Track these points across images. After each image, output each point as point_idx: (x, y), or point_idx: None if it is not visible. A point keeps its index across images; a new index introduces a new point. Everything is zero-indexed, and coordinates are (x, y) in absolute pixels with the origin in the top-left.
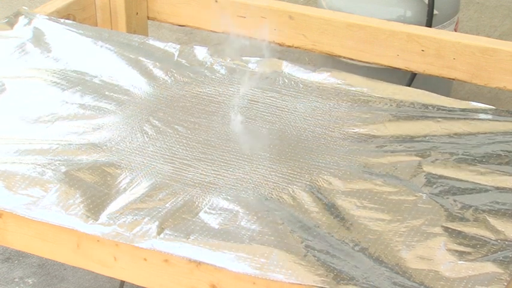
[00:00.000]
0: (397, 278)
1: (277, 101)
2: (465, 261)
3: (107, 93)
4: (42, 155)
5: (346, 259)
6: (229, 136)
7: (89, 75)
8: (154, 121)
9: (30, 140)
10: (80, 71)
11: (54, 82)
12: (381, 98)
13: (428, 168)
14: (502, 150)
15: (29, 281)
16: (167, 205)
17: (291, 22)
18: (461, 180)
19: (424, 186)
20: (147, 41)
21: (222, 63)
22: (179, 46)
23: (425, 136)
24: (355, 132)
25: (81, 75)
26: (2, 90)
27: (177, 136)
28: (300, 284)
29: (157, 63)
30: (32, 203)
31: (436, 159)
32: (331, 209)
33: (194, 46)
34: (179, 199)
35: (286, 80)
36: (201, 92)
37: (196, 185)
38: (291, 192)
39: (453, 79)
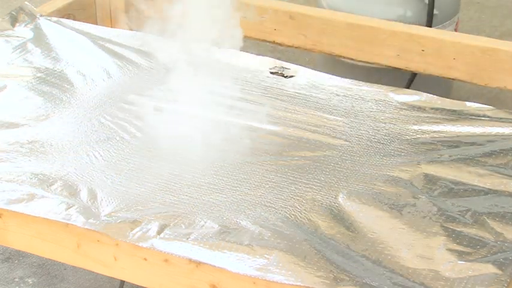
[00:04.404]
0: (397, 277)
1: (277, 101)
2: (465, 261)
3: (107, 93)
4: (43, 153)
5: (346, 259)
6: (230, 137)
7: (90, 75)
8: (151, 119)
9: (31, 138)
10: (81, 71)
11: (55, 82)
12: (379, 99)
13: (427, 169)
14: (501, 151)
15: (29, 280)
16: (167, 205)
17: (291, 22)
18: (460, 182)
19: (423, 186)
20: (147, 40)
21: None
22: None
23: (424, 137)
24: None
25: (81, 75)
26: (2, 88)
27: (177, 136)
28: (300, 285)
29: (158, 64)
30: (32, 201)
31: (435, 160)
32: (331, 209)
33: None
34: (179, 199)
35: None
36: None
37: (196, 185)
38: (290, 192)
39: (453, 79)
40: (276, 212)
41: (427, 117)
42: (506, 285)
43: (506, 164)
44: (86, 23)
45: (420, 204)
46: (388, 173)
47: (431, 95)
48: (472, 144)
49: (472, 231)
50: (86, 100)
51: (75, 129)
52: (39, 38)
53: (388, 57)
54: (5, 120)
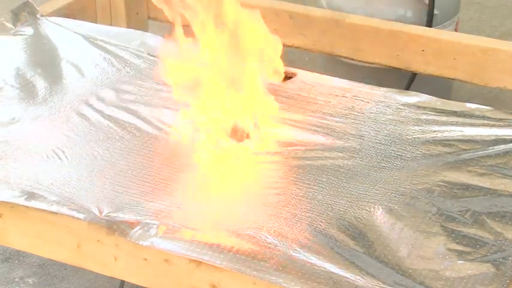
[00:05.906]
0: (397, 277)
1: (276, 102)
2: (465, 261)
3: (107, 93)
4: (41, 152)
5: (346, 257)
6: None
7: (90, 75)
8: (153, 120)
9: (28, 137)
10: (80, 71)
11: (54, 82)
12: (379, 100)
13: (427, 169)
14: (501, 151)
15: (29, 280)
16: (167, 205)
17: (291, 22)
18: (460, 182)
19: (423, 187)
20: (147, 40)
21: None
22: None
23: (424, 138)
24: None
25: (81, 75)
26: (2, 87)
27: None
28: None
29: (156, 64)
30: (32, 201)
31: (435, 161)
32: (331, 208)
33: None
34: (179, 199)
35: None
36: None
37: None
38: (290, 192)
39: (453, 79)
40: (276, 212)
41: (427, 118)
42: (505, 285)
43: (506, 164)
44: (86, 22)
45: (420, 204)
46: (388, 174)
47: (431, 96)
48: (472, 144)
49: (472, 231)
50: (85, 100)
51: (74, 129)
52: (39, 38)
53: (388, 57)
54: (2, 120)
